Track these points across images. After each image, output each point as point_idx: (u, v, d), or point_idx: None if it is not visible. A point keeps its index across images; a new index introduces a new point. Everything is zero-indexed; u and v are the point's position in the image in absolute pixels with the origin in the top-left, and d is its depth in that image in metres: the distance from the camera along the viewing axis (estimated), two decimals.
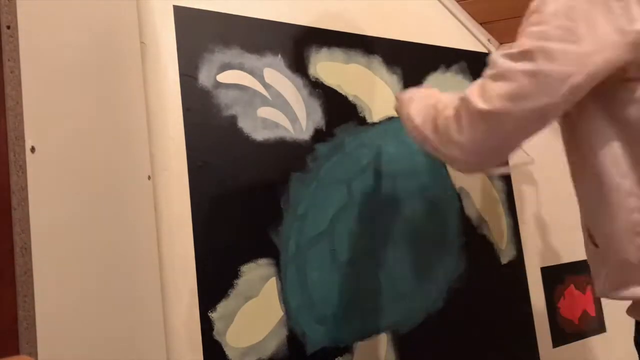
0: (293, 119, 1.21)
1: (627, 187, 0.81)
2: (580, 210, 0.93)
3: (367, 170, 1.31)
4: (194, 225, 1.05)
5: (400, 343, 1.29)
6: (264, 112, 1.17)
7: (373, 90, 1.36)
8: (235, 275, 1.08)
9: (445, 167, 1.47)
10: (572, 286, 1.70)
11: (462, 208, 1.48)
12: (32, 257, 0.73)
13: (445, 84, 1.52)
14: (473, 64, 1.58)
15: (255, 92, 1.17)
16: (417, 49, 1.48)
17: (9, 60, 0.74)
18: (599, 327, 1.73)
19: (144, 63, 1.04)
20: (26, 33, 0.76)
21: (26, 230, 0.73)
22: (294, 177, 1.19)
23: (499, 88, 0.80)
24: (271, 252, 1.13)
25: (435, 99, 0.97)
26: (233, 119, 1.13)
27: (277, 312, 1.12)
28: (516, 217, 1.60)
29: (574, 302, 1.69)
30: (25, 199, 0.73)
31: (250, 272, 1.10)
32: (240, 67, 1.16)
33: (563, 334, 1.64)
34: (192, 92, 1.09)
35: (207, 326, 1.03)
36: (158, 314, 0.98)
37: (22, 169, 0.74)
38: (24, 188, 0.73)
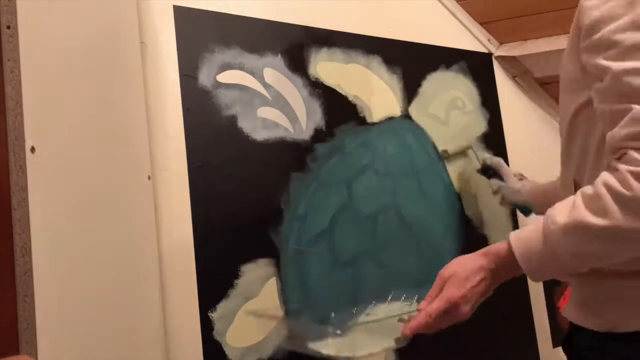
0: (293, 119, 1.21)
1: None
2: None
3: (367, 170, 1.31)
4: (194, 225, 1.05)
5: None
6: (264, 112, 1.17)
7: (373, 90, 1.36)
8: (235, 275, 1.08)
9: (445, 168, 1.47)
10: None
11: (462, 208, 1.48)
12: (32, 257, 0.73)
13: (445, 84, 1.52)
14: (473, 64, 1.58)
15: (255, 92, 1.17)
16: (417, 49, 1.48)
17: (9, 60, 0.74)
18: None
19: (144, 63, 1.04)
20: (26, 33, 0.76)
21: (26, 230, 0.73)
22: (294, 177, 1.19)
23: None
24: (271, 252, 1.13)
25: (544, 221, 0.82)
26: (233, 119, 1.13)
27: (277, 312, 1.12)
28: (516, 217, 1.60)
29: None
30: (25, 199, 0.73)
31: (250, 272, 1.10)
32: (240, 67, 1.16)
33: (563, 334, 1.63)
34: (192, 92, 1.09)
35: (207, 326, 1.03)
36: (158, 313, 0.98)
37: (22, 169, 0.74)
38: (24, 188, 0.73)
